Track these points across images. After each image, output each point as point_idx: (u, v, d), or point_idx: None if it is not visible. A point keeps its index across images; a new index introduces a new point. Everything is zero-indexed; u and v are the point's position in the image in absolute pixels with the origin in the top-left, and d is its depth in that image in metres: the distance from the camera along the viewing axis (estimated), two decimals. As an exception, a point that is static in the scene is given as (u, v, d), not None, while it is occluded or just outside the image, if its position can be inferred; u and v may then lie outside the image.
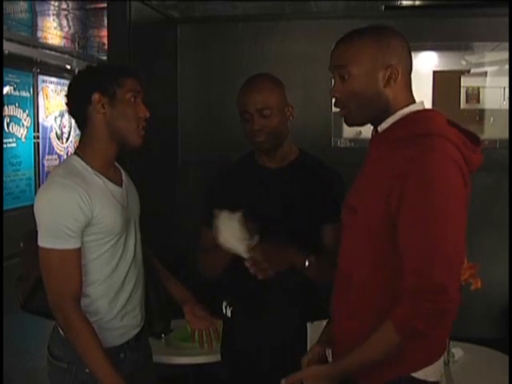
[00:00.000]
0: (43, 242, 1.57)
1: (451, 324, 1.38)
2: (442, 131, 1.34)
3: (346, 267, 1.44)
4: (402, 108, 1.40)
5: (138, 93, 1.67)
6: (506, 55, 3.23)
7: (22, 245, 1.71)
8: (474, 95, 3.51)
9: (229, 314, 1.99)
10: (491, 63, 3.60)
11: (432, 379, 1.40)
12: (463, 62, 3.52)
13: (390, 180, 1.32)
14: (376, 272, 1.37)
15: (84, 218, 1.58)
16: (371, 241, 1.37)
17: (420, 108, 1.42)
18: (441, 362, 1.45)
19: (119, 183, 1.75)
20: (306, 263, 1.76)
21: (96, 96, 1.63)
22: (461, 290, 1.53)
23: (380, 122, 1.42)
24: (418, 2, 3.60)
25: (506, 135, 3.16)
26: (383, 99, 1.39)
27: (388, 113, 1.40)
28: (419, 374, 1.38)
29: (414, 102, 1.42)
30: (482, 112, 3.47)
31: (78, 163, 1.65)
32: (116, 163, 1.80)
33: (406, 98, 1.41)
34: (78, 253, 1.60)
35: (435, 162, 1.28)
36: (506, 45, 3.11)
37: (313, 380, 1.43)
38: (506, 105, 3.37)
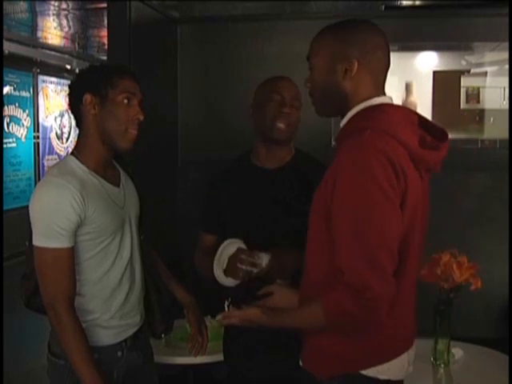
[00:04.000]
0: (37, 240, 1.58)
1: (398, 322, 1.40)
2: (383, 126, 1.34)
3: (307, 261, 1.46)
4: (362, 102, 1.40)
5: (132, 94, 1.65)
6: (506, 55, 3.23)
7: (27, 243, 1.71)
8: (474, 95, 3.51)
9: None
10: (491, 63, 3.59)
11: (384, 377, 1.40)
12: (463, 62, 3.52)
13: (328, 176, 1.35)
14: (325, 266, 1.38)
15: (77, 218, 1.58)
16: (319, 234, 1.39)
17: (378, 102, 1.41)
18: (402, 360, 1.43)
19: (116, 183, 1.75)
20: None
21: (87, 96, 1.63)
22: (460, 290, 1.54)
23: (344, 116, 1.44)
24: (418, 2, 3.60)
25: (506, 135, 3.16)
26: (342, 92, 1.41)
27: (348, 106, 1.42)
28: (369, 372, 1.39)
29: (377, 96, 1.42)
30: (482, 112, 3.47)
31: (74, 163, 1.65)
32: (116, 164, 1.80)
33: (368, 93, 1.41)
34: (71, 252, 1.60)
35: (362, 158, 1.29)
36: (506, 45, 3.11)
37: (248, 320, 1.49)
38: (506, 105, 3.37)
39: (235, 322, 1.50)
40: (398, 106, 1.45)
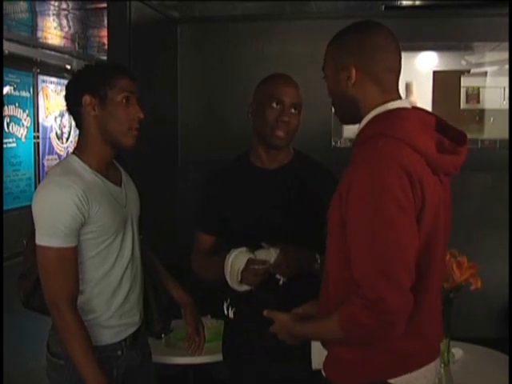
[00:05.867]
0: (40, 240, 1.58)
1: (422, 333, 1.37)
2: (397, 132, 1.30)
3: (327, 268, 1.44)
4: (376, 107, 1.37)
5: (131, 93, 1.65)
6: (506, 55, 3.23)
7: (25, 243, 1.71)
8: (474, 95, 3.51)
9: (231, 315, 1.98)
10: (491, 63, 3.60)
11: None
12: (463, 62, 3.52)
13: (342, 185, 1.31)
14: (343, 276, 1.35)
15: (81, 217, 1.58)
16: (338, 243, 1.36)
17: (395, 106, 1.37)
18: (427, 371, 1.40)
19: (118, 183, 1.75)
20: (318, 259, 1.78)
21: (86, 98, 1.63)
22: (460, 290, 1.53)
23: (360, 122, 1.42)
24: (418, 2, 3.60)
25: (506, 135, 3.16)
26: (350, 100, 1.39)
27: (361, 112, 1.39)
28: (397, 381, 1.36)
29: (392, 100, 1.38)
30: (482, 112, 3.47)
31: (77, 162, 1.66)
32: (116, 163, 1.80)
33: (377, 97, 1.37)
34: (75, 251, 1.60)
35: (375, 167, 1.25)
36: (506, 45, 3.11)
37: (280, 326, 1.49)
38: (506, 105, 3.37)
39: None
40: (414, 110, 1.40)
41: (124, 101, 1.64)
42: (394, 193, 1.23)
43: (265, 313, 1.51)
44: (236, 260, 1.77)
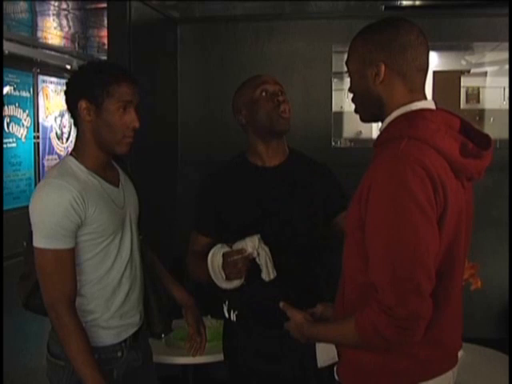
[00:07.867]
0: (37, 242, 1.58)
1: (442, 339, 1.35)
2: (421, 134, 1.27)
3: (344, 270, 1.42)
4: (401, 106, 1.34)
5: (129, 102, 1.63)
6: (506, 55, 3.23)
7: (25, 244, 1.71)
8: (474, 95, 3.51)
9: (233, 318, 1.97)
10: (491, 63, 3.60)
11: None
12: (463, 62, 3.52)
13: (362, 187, 1.28)
14: (360, 280, 1.33)
15: (77, 218, 1.58)
16: (356, 245, 1.33)
17: (419, 107, 1.34)
18: (446, 378, 1.39)
19: (116, 183, 1.74)
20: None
21: (82, 103, 1.61)
22: (460, 291, 1.52)
23: (382, 121, 1.39)
24: (418, 2, 3.60)
25: (506, 135, 3.17)
26: (376, 97, 1.36)
27: (385, 111, 1.36)
28: None
29: (417, 100, 1.35)
30: (482, 112, 3.48)
31: (73, 164, 1.65)
32: (114, 163, 1.79)
33: (403, 96, 1.34)
34: (72, 253, 1.60)
35: (397, 170, 1.22)
36: (506, 45, 3.11)
37: (294, 325, 1.48)
38: (506, 105, 3.37)
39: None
40: (438, 111, 1.36)
41: (121, 109, 1.62)
42: (416, 196, 1.20)
43: (281, 305, 1.50)
44: (213, 258, 1.76)
